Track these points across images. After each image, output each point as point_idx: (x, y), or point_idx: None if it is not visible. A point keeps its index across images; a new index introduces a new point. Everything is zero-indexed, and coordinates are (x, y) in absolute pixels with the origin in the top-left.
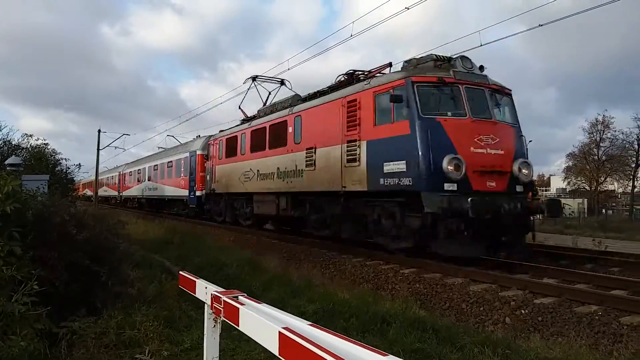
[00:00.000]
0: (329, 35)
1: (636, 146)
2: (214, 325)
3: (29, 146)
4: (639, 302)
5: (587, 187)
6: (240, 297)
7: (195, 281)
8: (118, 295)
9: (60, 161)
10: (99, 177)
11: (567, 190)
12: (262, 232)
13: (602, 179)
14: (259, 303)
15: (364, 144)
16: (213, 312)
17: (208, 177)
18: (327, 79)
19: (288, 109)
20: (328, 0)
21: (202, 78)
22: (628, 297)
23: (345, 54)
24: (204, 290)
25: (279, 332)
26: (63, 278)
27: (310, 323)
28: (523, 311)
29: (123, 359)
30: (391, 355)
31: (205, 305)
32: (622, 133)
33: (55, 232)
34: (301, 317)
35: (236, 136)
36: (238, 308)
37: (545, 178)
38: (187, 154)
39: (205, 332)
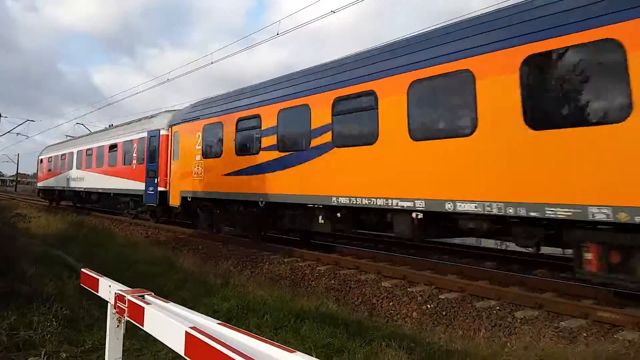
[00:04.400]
0: (255, 31)
1: None
2: (118, 325)
3: None
4: (531, 297)
5: None
6: (146, 296)
7: (98, 279)
8: (11, 293)
9: None
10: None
11: None
12: (177, 228)
13: None
14: (167, 302)
15: None
16: (117, 312)
17: None
18: (255, 74)
19: None
20: None
21: (119, 64)
22: (521, 292)
23: (274, 48)
24: (108, 288)
25: (186, 331)
26: None
27: (220, 322)
28: (429, 306)
29: None
30: (299, 352)
31: (109, 304)
32: None
33: None
34: (214, 316)
35: None
36: (143, 307)
37: None
38: None
39: (107, 332)
